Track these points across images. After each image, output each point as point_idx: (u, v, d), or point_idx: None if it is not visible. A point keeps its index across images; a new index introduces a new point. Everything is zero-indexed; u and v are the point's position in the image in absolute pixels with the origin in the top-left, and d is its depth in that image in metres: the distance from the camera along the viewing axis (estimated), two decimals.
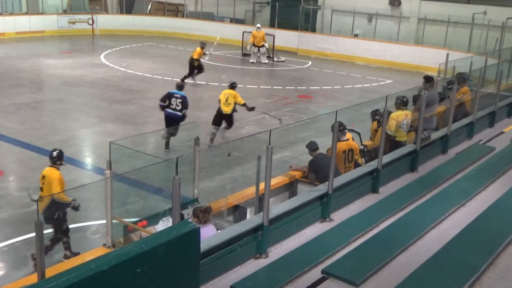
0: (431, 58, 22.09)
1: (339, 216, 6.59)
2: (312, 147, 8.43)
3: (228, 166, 11.06)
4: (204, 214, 6.06)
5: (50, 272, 4.88)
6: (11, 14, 30.54)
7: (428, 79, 10.85)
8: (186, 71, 19.08)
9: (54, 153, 7.63)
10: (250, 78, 21.58)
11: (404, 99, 9.50)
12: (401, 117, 9.23)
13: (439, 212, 6.66)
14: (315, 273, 5.25)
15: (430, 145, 8.84)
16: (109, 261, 3.64)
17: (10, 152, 11.83)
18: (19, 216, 8.72)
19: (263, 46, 23.97)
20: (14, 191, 9.92)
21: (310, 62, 24.99)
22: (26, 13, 31.16)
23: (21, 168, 11.06)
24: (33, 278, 5.40)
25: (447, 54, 14.44)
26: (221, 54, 25.85)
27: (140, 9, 33.78)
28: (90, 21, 31.30)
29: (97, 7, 32.93)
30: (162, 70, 21.47)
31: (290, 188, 8.58)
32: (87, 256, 6.82)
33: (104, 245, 6.51)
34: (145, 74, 20.49)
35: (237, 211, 7.71)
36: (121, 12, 33.58)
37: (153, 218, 6.88)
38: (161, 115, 15.02)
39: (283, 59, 24.90)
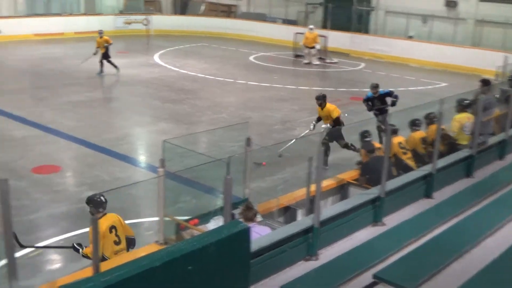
0: (488, 61, 21.46)
1: (392, 220, 6.49)
2: (369, 148, 8.34)
3: (280, 167, 11.07)
4: (244, 211, 6.14)
5: (104, 266, 5.01)
6: (70, 14, 31.50)
7: (485, 82, 10.55)
8: (237, 71, 19.15)
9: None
10: (302, 79, 21.52)
11: (466, 101, 9.25)
12: (464, 119, 8.99)
13: (495, 220, 6.46)
14: (366, 278, 5.19)
15: (487, 150, 8.59)
16: (162, 257, 3.70)
17: (67, 148, 12.18)
18: (75, 211, 8.96)
19: (313, 47, 23.85)
20: (70, 186, 10.21)
21: (363, 64, 24.73)
22: (84, 14, 32.07)
23: (78, 164, 11.38)
24: (88, 272, 5.54)
25: (505, 57, 14.01)
26: (273, 55, 25.90)
27: (194, 10, 34.22)
28: (145, 22, 31.90)
29: (152, 8, 33.54)
30: (214, 70, 21.68)
31: (341, 190, 8.51)
32: (140, 252, 6.95)
33: (157, 242, 6.62)
34: (198, 74, 20.73)
35: (288, 212, 7.69)
36: (175, 13, 34.10)
37: (205, 217, 6.94)
38: (213, 115, 15.21)
39: (336, 60, 24.73)
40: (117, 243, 6.17)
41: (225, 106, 16.24)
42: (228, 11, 33.43)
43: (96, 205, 6.26)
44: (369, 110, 12.65)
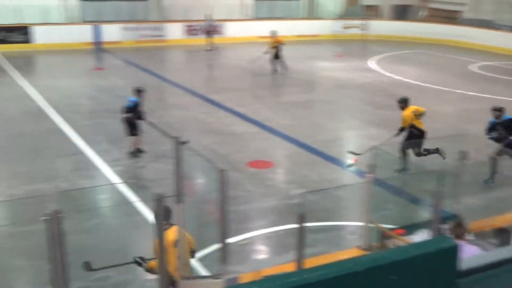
0: None
1: None
2: None
3: (496, 185, 10.31)
4: (454, 227, 5.82)
5: (308, 263, 5.17)
6: (292, 18, 32.96)
7: None
8: (455, 80, 18.27)
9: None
10: None
11: None
12: None
13: None
14: None
15: None
16: (365, 263, 3.69)
17: (280, 146, 12.77)
18: (284, 206, 9.36)
19: None
20: (281, 183, 10.69)
21: None
22: (305, 18, 33.29)
23: (289, 162, 11.86)
24: (291, 267, 5.76)
25: None
26: (497, 65, 24.15)
27: (414, 15, 33.43)
28: (363, 27, 31.99)
29: (371, 13, 33.53)
30: (430, 78, 20.93)
31: None
32: (342, 255, 7.03)
33: (359, 246, 6.62)
34: (412, 81, 20.21)
35: (503, 234, 7.13)
36: (394, 18, 33.63)
37: (410, 228, 6.76)
38: (426, 124, 14.62)
39: None
40: (179, 258, 5.76)
41: (440, 116, 15.58)
42: (451, 17, 31.98)
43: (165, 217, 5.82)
44: (497, 140, 10.59)
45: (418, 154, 11.08)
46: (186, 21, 29.95)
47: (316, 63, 24.45)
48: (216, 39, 28.09)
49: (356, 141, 13.63)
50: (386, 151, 10.82)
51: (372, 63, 24.16)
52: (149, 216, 8.44)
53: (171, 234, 5.71)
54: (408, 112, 11.11)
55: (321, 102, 17.38)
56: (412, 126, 11.07)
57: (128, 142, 11.57)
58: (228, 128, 14.00)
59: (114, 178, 10.45)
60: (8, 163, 11.19)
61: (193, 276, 6.79)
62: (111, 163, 11.16)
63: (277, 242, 8.25)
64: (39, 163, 11.09)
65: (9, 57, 23.73)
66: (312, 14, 33.86)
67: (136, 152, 11.41)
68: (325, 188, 9.90)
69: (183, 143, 5.56)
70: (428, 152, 11.12)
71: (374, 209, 7.17)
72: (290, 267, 5.78)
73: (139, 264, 5.78)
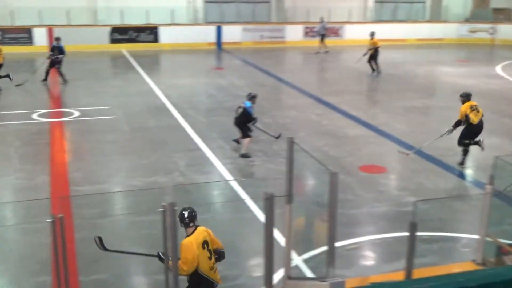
0: None
1: None
2: None
3: None
4: None
5: (417, 273, 5.01)
6: (414, 21, 32.04)
7: None
8: None
9: None
10: None
11: None
12: None
13: None
14: None
15: None
16: (478, 278, 3.53)
17: (394, 151, 12.43)
18: (394, 213, 9.12)
19: None
20: (393, 189, 10.41)
21: None
22: (428, 21, 32.22)
23: (402, 168, 11.52)
24: (399, 276, 5.61)
25: None
26: None
27: None
28: (492, 31, 30.40)
29: (501, 17, 31.78)
30: None
31: None
32: (454, 268, 6.75)
33: (473, 261, 6.32)
34: None
35: None
36: None
37: None
38: None
39: None
40: (209, 258, 5.73)
41: None
42: None
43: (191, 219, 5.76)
44: None
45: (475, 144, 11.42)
46: (305, 23, 30.13)
47: (437, 68, 23.59)
48: (334, 41, 28.00)
49: (475, 151, 12.96)
50: (510, 162, 10.18)
51: (499, 70, 22.88)
52: (260, 214, 8.58)
53: (199, 235, 5.69)
54: (464, 106, 11.41)
55: (440, 108, 16.73)
56: (468, 121, 11.29)
57: (240, 143, 11.83)
58: (341, 130, 13.87)
59: (226, 175, 10.73)
60: (131, 155, 11.85)
61: (299, 277, 6.81)
62: (224, 160, 11.47)
63: (386, 249, 8.04)
64: (158, 157, 11.65)
65: (137, 56, 25.14)
66: (436, 17, 32.70)
67: (247, 154, 11.64)
68: (439, 198, 9.51)
69: (278, 137, 5.64)
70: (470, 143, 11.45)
71: (492, 223, 6.80)
72: (398, 276, 5.64)
73: (162, 259, 5.67)
